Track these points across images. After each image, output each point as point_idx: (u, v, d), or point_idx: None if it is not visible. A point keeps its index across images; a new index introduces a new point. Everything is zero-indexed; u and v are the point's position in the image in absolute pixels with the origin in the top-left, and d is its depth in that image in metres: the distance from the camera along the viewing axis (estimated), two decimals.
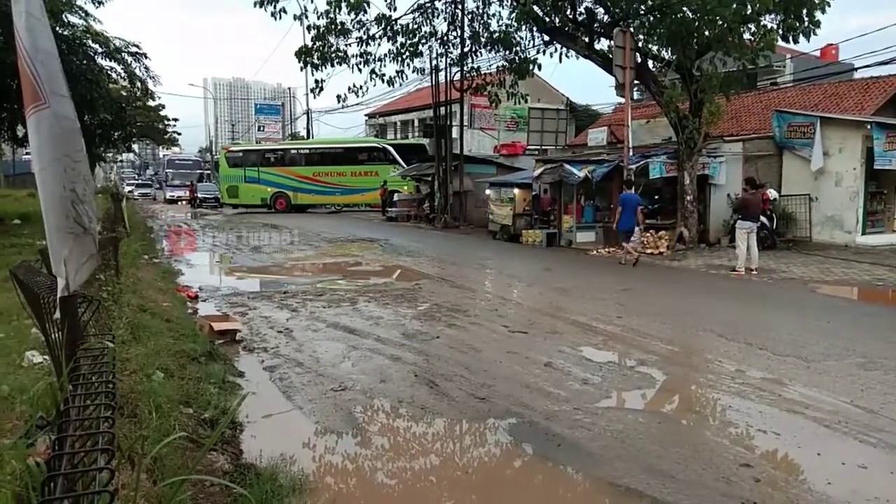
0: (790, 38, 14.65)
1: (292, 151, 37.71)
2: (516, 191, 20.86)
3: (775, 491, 4.13)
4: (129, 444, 3.20)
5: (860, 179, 16.46)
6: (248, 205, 36.10)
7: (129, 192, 49.26)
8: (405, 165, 33.28)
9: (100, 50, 19.75)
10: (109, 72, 20.98)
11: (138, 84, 21.78)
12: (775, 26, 14.74)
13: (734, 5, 14.11)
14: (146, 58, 21.38)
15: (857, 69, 25.94)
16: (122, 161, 65.70)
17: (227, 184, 36.63)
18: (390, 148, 35.48)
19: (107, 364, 2.37)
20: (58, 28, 16.82)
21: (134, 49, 20.95)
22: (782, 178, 17.97)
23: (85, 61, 18.25)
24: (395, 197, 31.15)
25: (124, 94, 24.71)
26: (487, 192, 22.77)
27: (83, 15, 18.92)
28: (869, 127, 16.07)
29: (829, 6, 14.09)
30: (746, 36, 15.62)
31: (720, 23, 14.68)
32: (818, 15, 14.17)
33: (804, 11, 14.15)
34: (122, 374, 4.69)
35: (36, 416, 3.36)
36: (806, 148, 17.16)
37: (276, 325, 8.76)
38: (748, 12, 14.54)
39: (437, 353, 7.36)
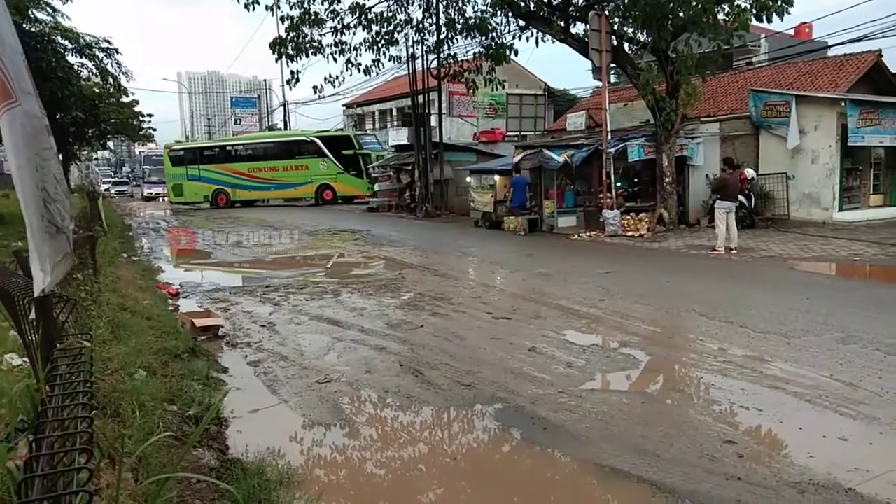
0: (764, 18, 14.71)
1: (228, 148, 37.57)
2: (497, 177, 20.82)
3: (758, 466, 4.19)
4: (110, 444, 3.17)
5: (836, 156, 16.64)
6: (194, 202, 36.27)
7: (106, 190, 48.61)
8: (333, 158, 33.41)
9: (69, 46, 19.38)
10: (80, 68, 20.65)
11: (110, 80, 21.42)
12: (749, 6, 14.80)
13: None
14: (118, 53, 21.03)
15: (830, 46, 26.20)
16: (97, 159, 64.69)
17: (172, 182, 36.72)
18: (318, 140, 34.93)
19: (84, 363, 2.34)
20: (24, 25, 16.48)
21: (105, 45, 20.59)
22: (759, 157, 18.12)
23: (54, 58, 17.90)
24: (377, 187, 31.00)
25: (97, 90, 24.32)
26: (468, 179, 22.72)
27: (51, 11, 18.57)
28: (843, 104, 16.22)
29: None
30: (721, 16, 15.69)
31: (694, 4, 14.74)
32: None
33: None
34: (104, 373, 4.64)
35: (17, 419, 3.32)
36: (782, 126, 17.30)
37: (258, 320, 8.71)
38: None
39: (421, 341, 7.37)
